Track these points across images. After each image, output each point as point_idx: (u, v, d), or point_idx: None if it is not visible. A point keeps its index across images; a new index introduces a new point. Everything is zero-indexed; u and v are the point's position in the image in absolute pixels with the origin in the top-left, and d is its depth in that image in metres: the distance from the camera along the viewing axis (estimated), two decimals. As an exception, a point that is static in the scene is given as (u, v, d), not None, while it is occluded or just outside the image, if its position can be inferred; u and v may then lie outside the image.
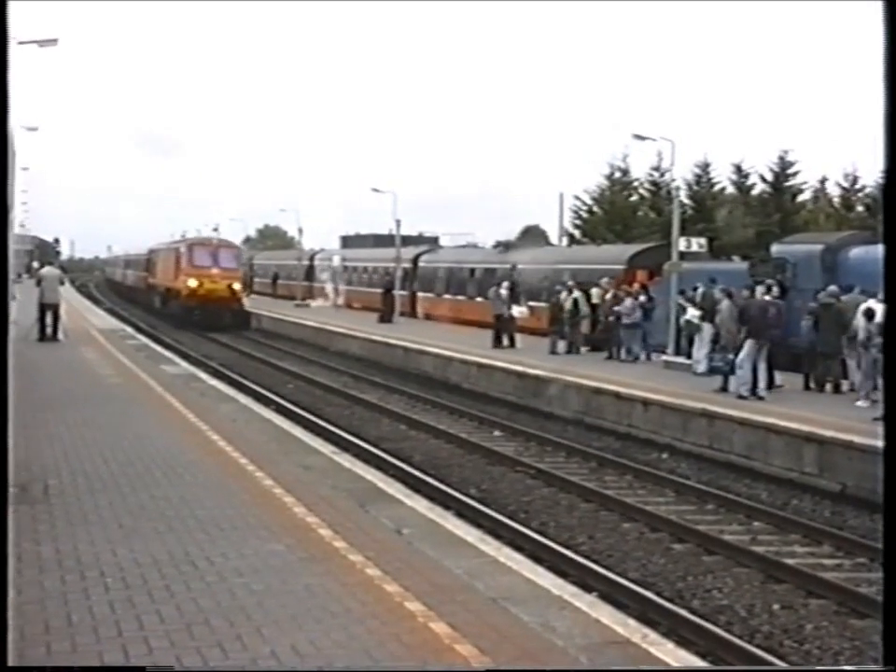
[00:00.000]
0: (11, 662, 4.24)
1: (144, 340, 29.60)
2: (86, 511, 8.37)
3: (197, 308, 40.36)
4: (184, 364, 23.04)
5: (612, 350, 24.48)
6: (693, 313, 21.78)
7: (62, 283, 27.65)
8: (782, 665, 7.53)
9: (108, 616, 5.81)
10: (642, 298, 24.63)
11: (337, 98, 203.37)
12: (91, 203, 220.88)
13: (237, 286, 42.26)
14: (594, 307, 26.09)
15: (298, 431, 13.77)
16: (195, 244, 44.25)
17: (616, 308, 24.26)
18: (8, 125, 3.92)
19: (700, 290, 21.90)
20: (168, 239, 56.13)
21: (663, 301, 24.00)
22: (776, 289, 19.55)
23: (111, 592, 6.26)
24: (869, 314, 16.37)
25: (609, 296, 25.11)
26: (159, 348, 27.08)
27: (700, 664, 5.94)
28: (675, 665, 5.53)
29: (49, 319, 24.98)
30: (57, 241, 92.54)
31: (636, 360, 23.82)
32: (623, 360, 23.88)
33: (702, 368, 20.30)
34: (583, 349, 25.74)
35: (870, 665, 7.83)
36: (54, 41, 18.94)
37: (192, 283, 41.09)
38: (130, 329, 34.07)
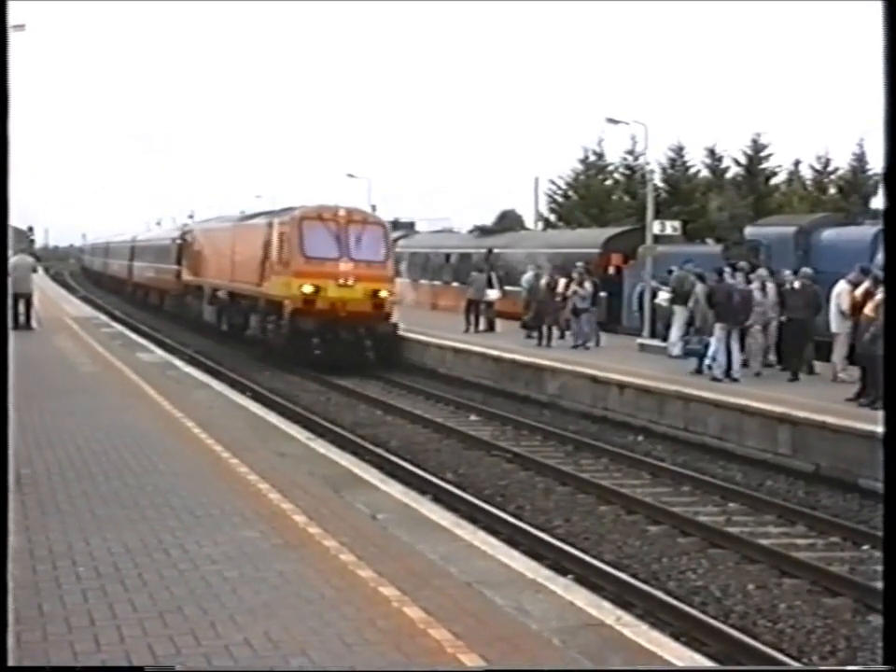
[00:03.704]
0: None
1: (118, 328, 29.45)
2: (58, 500, 8.31)
3: (314, 332, 24.03)
4: (159, 352, 22.92)
5: (542, 335, 23.77)
6: (663, 296, 21.81)
7: (34, 271, 27.47)
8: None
9: (80, 605, 5.77)
10: (587, 284, 23.70)
11: (311, 83, 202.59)
12: (66, 190, 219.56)
13: (384, 292, 24.80)
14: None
15: (273, 418, 13.73)
16: (308, 217, 25.01)
17: (565, 292, 23.52)
18: (8, 124, 3.86)
19: (675, 274, 21.91)
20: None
21: (637, 284, 23.99)
22: (745, 273, 19.51)
23: (83, 581, 6.22)
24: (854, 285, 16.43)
25: (543, 281, 24.37)
26: (134, 336, 26.96)
27: (674, 645, 5.94)
28: (647, 646, 5.54)
29: (21, 308, 24.85)
30: (31, 229, 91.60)
31: (587, 347, 22.81)
32: (573, 347, 22.87)
33: (677, 351, 20.35)
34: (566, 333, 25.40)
35: (840, 643, 7.88)
36: (22, 26, 18.74)
37: (306, 288, 24.07)
38: (104, 318, 33.87)
